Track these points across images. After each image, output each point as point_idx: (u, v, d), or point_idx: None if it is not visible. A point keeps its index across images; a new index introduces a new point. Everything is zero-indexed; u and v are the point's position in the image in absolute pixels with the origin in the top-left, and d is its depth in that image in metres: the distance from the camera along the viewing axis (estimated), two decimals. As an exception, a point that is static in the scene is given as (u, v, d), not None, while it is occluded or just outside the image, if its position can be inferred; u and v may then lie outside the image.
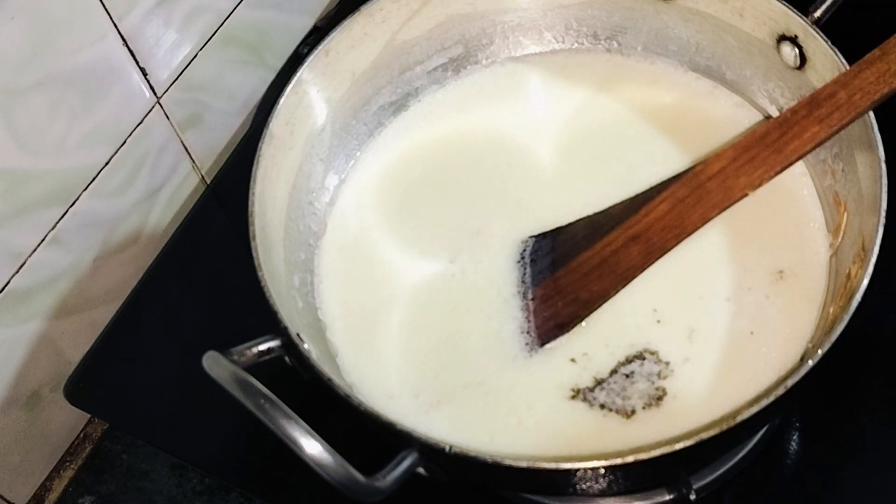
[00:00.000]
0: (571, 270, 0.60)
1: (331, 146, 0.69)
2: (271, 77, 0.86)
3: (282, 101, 0.63)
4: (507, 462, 0.48)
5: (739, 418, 0.47)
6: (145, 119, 0.73)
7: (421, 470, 0.50)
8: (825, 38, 0.58)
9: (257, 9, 0.81)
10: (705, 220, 0.56)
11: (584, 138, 0.70)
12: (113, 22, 0.67)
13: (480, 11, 0.72)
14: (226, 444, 0.69)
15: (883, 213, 0.53)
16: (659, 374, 0.58)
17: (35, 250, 0.67)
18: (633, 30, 0.72)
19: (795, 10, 0.60)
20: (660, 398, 0.57)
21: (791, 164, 0.54)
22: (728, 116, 0.69)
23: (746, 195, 0.55)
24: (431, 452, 0.48)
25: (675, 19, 0.69)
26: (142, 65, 0.71)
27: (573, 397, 0.58)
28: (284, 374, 0.52)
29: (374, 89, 0.71)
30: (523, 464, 0.48)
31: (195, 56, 0.76)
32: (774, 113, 0.67)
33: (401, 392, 0.59)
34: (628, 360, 0.59)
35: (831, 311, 0.57)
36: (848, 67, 0.55)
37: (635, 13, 0.70)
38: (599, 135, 0.70)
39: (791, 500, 0.62)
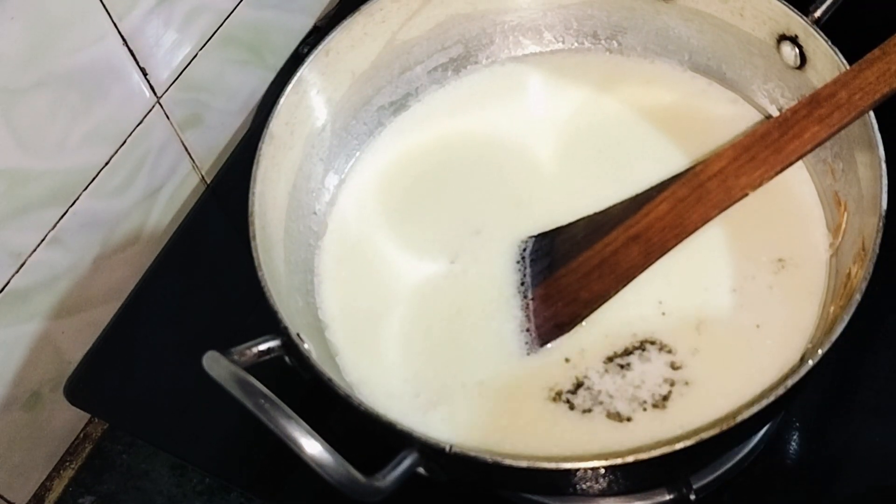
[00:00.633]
0: (571, 270, 0.60)
1: (331, 146, 0.69)
2: (271, 77, 0.86)
3: (282, 101, 0.63)
4: (507, 462, 0.48)
5: (739, 418, 0.47)
6: (145, 119, 0.73)
7: (421, 470, 0.50)
8: (825, 38, 0.58)
9: (257, 9, 0.81)
10: (705, 220, 0.56)
11: (584, 138, 0.70)
12: (113, 22, 0.67)
13: (480, 11, 0.72)
14: (226, 444, 0.69)
15: (883, 213, 0.53)
16: (671, 365, 0.58)
17: (35, 250, 0.67)
18: (633, 30, 0.72)
19: (795, 10, 0.60)
20: (665, 397, 0.57)
21: (791, 163, 0.54)
22: (728, 116, 0.68)
23: (747, 195, 0.55)
24: (431, 452, 0.48)
25: (675, 19, 0.69)
26: (142, 65, 0.71)
27: (573, 396, 0.58)
28: (284, 374, 0.52)
29: (374, 89, 0.71)
30: (523, 464, 0.48)
31: (195, 56, 0.76)
32: (774, 113, 0.67)
33: (401, 392, 0.59)
34: (627, 353, 0.59)
35: (831, 310, 0.57)
36: (848, 67, 0.55)
37: (635, 13, 0.70)
38: (599, 135, 0.70)
39: (791, 500, 0.62)
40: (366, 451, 0.47)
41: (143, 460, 0.73)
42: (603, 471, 0.48)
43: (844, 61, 0.57)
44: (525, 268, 0.63)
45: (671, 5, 0.68)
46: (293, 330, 0.53)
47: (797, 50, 0.61)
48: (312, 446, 0.44)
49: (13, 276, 0.66)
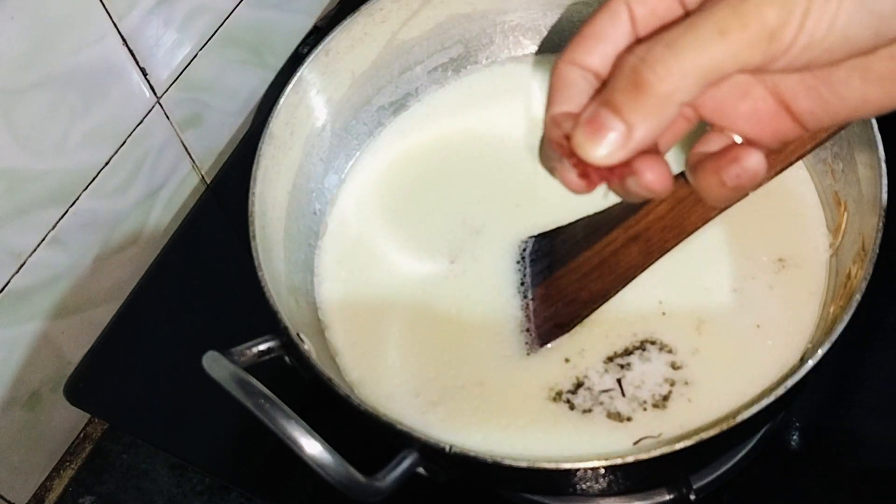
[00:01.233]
0: (571, 270, 0.60)
1: (331, 146, 0.69)
2: (271, 77, 0.86)
3: (282, 101, 0.63)
4: (507, 462, 0.48)
5: (739, 418, 0.47)
6: (145, 119, 0.73)
7: (421, 470, 0.50)
8: (825, 38, 0.58)
9: (257, 9, 0.81)
10: (705, 221, 0.56)
11: (584, 138, 0.70)
12: (113, 22, 0.67)
13: (480, 11, 0.72)
14: (226, 444, 0.69)
15: (883, 213, 0.53)
16: (671, 365, 0.58)
17: (35, 250, 0.67)
18: (633, 30, 0.71)
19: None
20: (665, 397, 0.57)
21: (791, 163, 0.54)
22: (728, 116, 0.68)
23: (747, 195, 0.55)
24: (431, 452, 0.48)
25: (675, 19, 0.69)
26: (142, 65, 0.71)
27: (573, 396, 0.58)
28: (284, 374, 0.52)
29: (374, 89, 0.71)
30: (523, 464, 0.48)
31: (195, 56, 0.76)
32: (774, 113, 0.67)
33: (401, 392, 0.59)
34: (627, 353, 0.59)
35: (831, 310, 0.57)
36: (848, 67, 0.55)
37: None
38: (599, 135, 0.69)
39: (791, 500, 0.62)
40: (366, 451, 0.47)
41: (143, 460, 0.73)
42: (603, 471, 0.48)
43: (844, 61, 0.57)
44: (525, 268, 0.63)
45: (671, 5, 0.68)
46: (293, 330, 0.53)
47: (797, 50, 0.61)
48: (312, 446, 0.44)
49: (13, 276, 0.66)
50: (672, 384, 0.57)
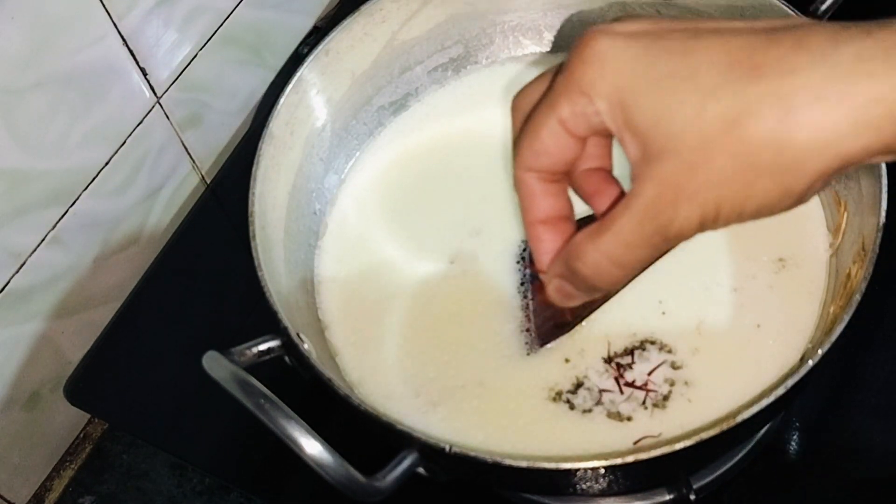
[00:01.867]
0: (571, 270, 0.60)
1: (331, 146, 0.69)
2: (271, 77, 0.86)
3: (282, 101, 0.63)
4: (507, 462, 0.47)
5: (739, 418, 0.47)
6: (145, 119, 0.73)
7: (421, 470, 0.50)
8: (825, 38, 0.58)
9: (257, 9, 0.81)
10: (706, 221, 0.56)
11: (584, 138, 0.70)
12: (113, 22, 0.67)
13: (480, 11, 0.72)
14: (226, 444, 0.69)
15: (883, 213, 0.53)
16: (671, 365, 0.58)
17: (35, 250, 0.67)
18: (633, 30, 0.71)
19: (795, 10, 0.60)
20: (665, 397, 0.57)
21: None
22: (728, 116, 0.68)
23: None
24: (431, 452, 0.48)
25: (675, 19, 0.69)
26: (142, 65, 0.71)
27: (573, 396, 0.58)
28: (284, 374, 0.52)
29: (374, 89, 0.71)
30: (523, 464, 0.48)
31: (195, 56, 0.76)
32: (774, 113, 0.67)
33: (401, 392, 0.59)
34: (627, 353, 0.59)
35: (831, 310, 0.57)
36: (848, 67, 0.55)
37: (636, 13, 0.70)
38: (599, 135, 0.70)
39: (791, 500, 0.62)
40: (366, 451, 0.47)
41: (143, 460, 0.73)
42: (603, 471, 0.48)
43: (844, 61, 0.57)
44: (525, 268, 0.63)
45: (671, 5, 0.68)
46: (293, 330, 0.53)
47: (797, 50, 0.61)
48: (312, 446, 0.44)
49: (13, 276, 0.66)
50: (672, 384, 0.57)
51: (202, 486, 0.71)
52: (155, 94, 0.74)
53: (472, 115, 0.72)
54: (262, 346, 0.52)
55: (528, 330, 0.60)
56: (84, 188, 0.69)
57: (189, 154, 0.80)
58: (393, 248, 0.66)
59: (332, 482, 0.44)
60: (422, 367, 0.60)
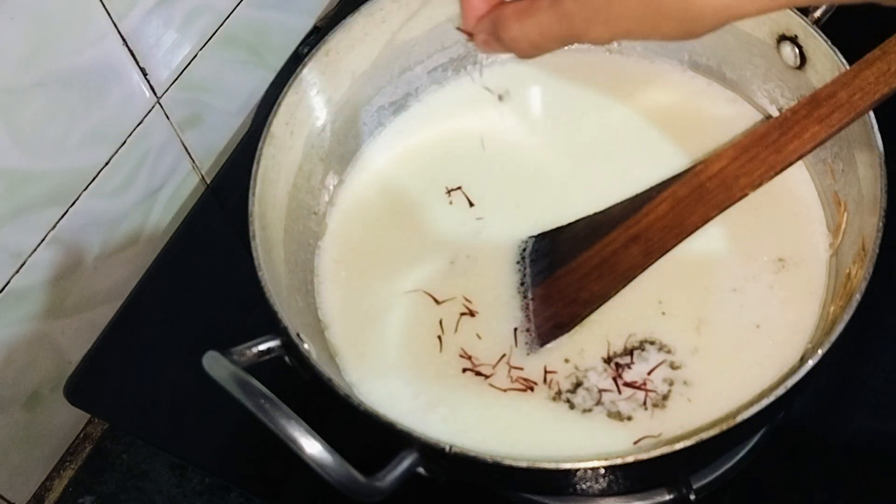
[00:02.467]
0: (571, 270, 0.60)
1: (331, 146, 0.69)
2: (271, 77, 0.86)
3: (282, 101, 0.63)
4: (507, 462, 0.48)
5: (739, 418, 0.47)
6: (145, 119, 0.73)
7: (421, 470, 0.50)
8: (825, 38, 0.58)
9: (257, 9, 0.81)
10: (705, 220, 0.56)
11: (584, 138, 0.70)
12: (113, 22, 0.67)
13: (480, 11, 0.72)
14: (226, 444, 0.69)
15: (883, 213, 0.53)
16: (671, 365, 0.58)
17: (35, 250, 0.67)
18: (633, 30, 0.71)
19: (795, 10, 0.60)
20: (665, 397, 0.57)
21: (791, 163, 0.54)
22: (727, 116, 0.69)
23: (747, 195, 0.55)
24: (431, 452, 0.48)
25: (675, 19, 0.69)
26: (142, 65, 0.71)
27: (573, 396, 0.58)
28: (284, 374, 0.52)
29: (375, 89, 0.71)
30: (523, 464, 0.48)
31: (195, 56, 0.76)
32: (774, 113, 0.67)
33: (401, 392, 0.59)
34: (627, 353, 0.59)
35: (831, 310, 0.57)
36: (848, 67, 0.55)
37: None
38: (599, 135, 0.70)
39: (791, 500, 0.62)
40: (366, 451, 0.47)
41: (143, 460, 0.73)
42: (603, 471, 0.48)
43: (844, 61, 0.57)
44: (525, 268, 0.63)
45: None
46: (293, 330, 0.53)
47: (797, 50, 0.61)
48: (312, 446, 0.44)
49: (13, 276, 0.66)
50: (671, 384, 0.57)
51: (202, 486, 0.71)
52: (155, 94, 0.74)
53: (472, 115, 0.72)
54: (262, 346, 0.52)
55: (528, 330, 0.60)
56: (84, 188, 0.69)
57: (189, 154, 0.80)
58: (393, 248, 0.66)
59: (332, 482, 0.44)
60: (422, 367, 0.60)
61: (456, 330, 0.61)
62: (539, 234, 0.64)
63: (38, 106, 0.63)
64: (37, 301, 0.69)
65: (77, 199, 0.69)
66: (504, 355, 0.60)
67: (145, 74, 0.72)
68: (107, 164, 0.71)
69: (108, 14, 0.66)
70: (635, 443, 0.55)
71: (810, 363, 0.48)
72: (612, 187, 0.65)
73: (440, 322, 0.62)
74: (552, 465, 0.48)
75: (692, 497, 0.59)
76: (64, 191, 0.68)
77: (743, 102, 0.69)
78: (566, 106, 0.72)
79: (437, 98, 0.73)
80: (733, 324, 0.59)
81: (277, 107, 0.63)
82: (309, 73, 0.65)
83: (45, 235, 0.67)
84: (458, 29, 0.52)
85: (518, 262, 0.63)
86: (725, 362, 0.58)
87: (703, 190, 0.57)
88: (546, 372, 0.59)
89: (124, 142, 0.72)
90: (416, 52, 0.71)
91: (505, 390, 0.58)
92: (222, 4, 0.77)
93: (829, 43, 0.58)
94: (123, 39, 0.68)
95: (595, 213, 0.63)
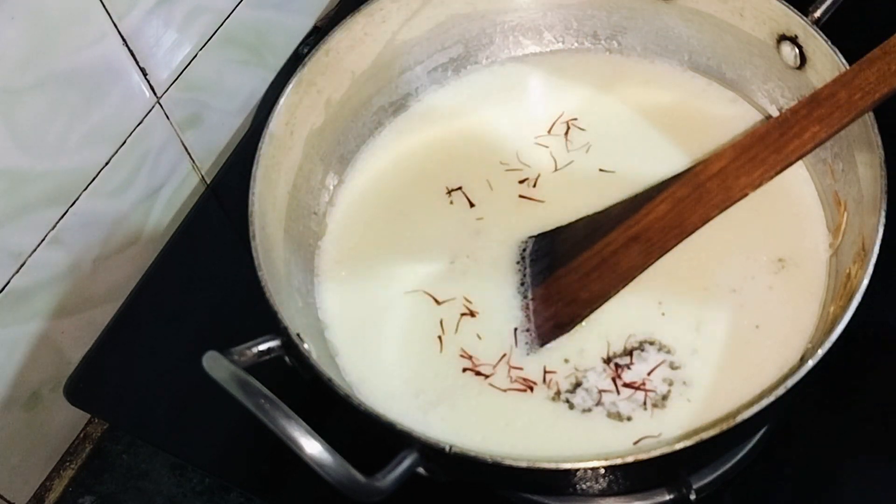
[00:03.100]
0: (571, 270, 0.60)
1: (331, 146, 0.69)
2: (271, 77, 0.86)
3: (282, 101, 0.63)
4: (508, 462, 0.48)
5: (739, 418, 0.47)
6: (145, 119, 0.73)
7: (421, 470, 0.50)
8: (825, 38, 0.58)
9: (257, 9, 0.81)
10: (705, 220, 0.56)
11: (585, 138, 0.70)
12: (113, 22, 0.67)
13: (480, 11, 0.72)
14: (226, 444, 0.69)
15: (883, 213, 0.53)
16: (670, 365, 0.58)
17: (35, 250, 0.67)
18: (633, 30, 0.72)
19: (795, 10, 0.60)
20: (665, 397, 0.57)
21: (791, 163, 0.54)
22: (728, 116, 0.69)
23: (746, 195, 0.55)
24: (431, 452, 0.48)
25: (675, 19, 0.69)
26: (142, 65, 0.71)
27: (573, 396, 0.58)
28: (284, 374, 0.52)
29: (374, 89, 0.71)
30: (523, 464, 0.48)
31: (195, 56, 0.76)
32: (774, 113, 0.67)
33: (401, 392, 0.59)
34: (627, 353, 0.59)
35: (831, 310, 0.57)
36: (848, 67, 0.55)
37: (635, 13, 0.70)
38: (599, 134, 0.70)
39: (791, 500, 0.62)
40: (366, 451, 0.47)
41: (143, 460, 0.73)
42: (603, 471, 0.48)
43: (844, 61, 0.57)
44: (525, 268, 0.63)
45: (671, 5, 0.68)
46: (293, 330, 0.53)
47: (797, 50, 0.61)
48: (312, 446, 0.44)
49: (13, 276, 0.66)
50: (671, 384, 0.57)
51: (202, 486, 0.71)
52: (155, 94, 0.74)
53: (472, 115, 0.72)
54: (262, 346, 0.52)
55: (528, 330, 0.60)
56: (84, 188, 0.69)
57: (189, 154, 0.80)
58: (393, 248, 0.66)
59: (332, 482, 0.44)
60: (422, 367, 0.60)
61: (456, 330, 0.61)
62: (539, 234, 0.64)
63: (38, 106, 0.63)
64: (36, 301, 0.69)
65: (77, 199, 0.69)
66: (504, 355, 0.60)
67: (145, 74, 0.72)
68: (107, 164, 0.71)
69: (108, 14, 0.66)
70: (635, 443, 0.55)
71: (810, 363, 0.48)
72: (612, 187, 0.65)
73: (440, 322, 0.62)
74: (552, 465, 0.48)
75: (692, 497, 0.59)
76: (64, 191, 0.68)
77: (743, 102, 0.69)
78: (566, 106, 0.72)
79: (437, 98, 0.73)
80: (733, 324, 0.59)
81: (277, 107, 0.63)
82: (309, 73, 0.65)
83: (45, 235, 0.67)
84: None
85: (518, 262, 0.63)
86: (725, 362, 0.58)
87: (702, 190, 0.57)
88: (546, 372, 0.59)
89: (124, 142, 0.72)
90: (416, 52, 0.71)
91: (505, 390, 0.58)
92: (222, 4, 0.77)
93: (829, 43, 0.58)
94: (123, 39, 0.68)
95: (595, 213, 0.63)
